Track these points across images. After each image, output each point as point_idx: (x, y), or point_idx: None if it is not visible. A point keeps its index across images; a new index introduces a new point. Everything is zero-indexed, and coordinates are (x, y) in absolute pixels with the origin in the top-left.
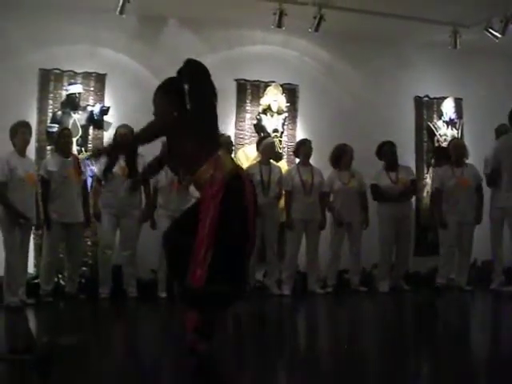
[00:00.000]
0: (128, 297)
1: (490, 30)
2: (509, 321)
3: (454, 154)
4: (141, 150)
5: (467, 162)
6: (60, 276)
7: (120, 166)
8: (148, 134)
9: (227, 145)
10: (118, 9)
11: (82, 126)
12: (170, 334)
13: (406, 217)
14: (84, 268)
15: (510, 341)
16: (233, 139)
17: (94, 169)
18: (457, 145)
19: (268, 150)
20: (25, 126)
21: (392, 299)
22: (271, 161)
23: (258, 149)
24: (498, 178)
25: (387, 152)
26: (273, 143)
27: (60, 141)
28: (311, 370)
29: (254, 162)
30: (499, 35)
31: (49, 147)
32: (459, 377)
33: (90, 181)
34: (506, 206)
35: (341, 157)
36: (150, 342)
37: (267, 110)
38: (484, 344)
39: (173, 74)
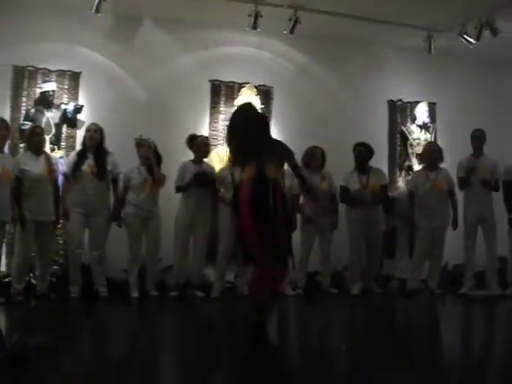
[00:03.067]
0: (99, 296)
1: (465, 36)
2: (476, 325)
3: (427, 157)
4: (112, 149)
5: (441, 166)
6: (31, 275)
7: (89, 164)
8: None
9: (201, 146)
10: (94, 7)
11: (56, 124)
12: (140, 333)
13: (375, 220)
14: (55, 267)
15: (474, 344)
16: None
17: (62, 167)
18: (430, 148)
19: None
20: (1, 121)
21: (362, 301)
22: None
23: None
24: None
25: (356, 154)
26: None
27: (32, 139)
28: (279, 370)
29: (225, 164)
30: (473, 41)
31: (22, 145)
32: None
33: (61, 179)
34: (480, 210)
35: (311, 159)
36: (120, 342)
37: None
38: (449, 347)
39: (147, 73)
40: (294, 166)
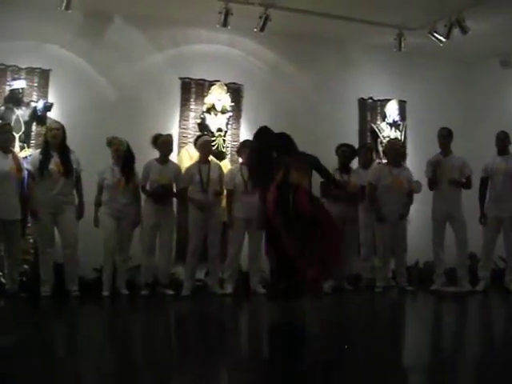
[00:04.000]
0: (70, 296)
1: (435, 34)
2: (446, 321)
3: (391, 153)
4: (73, 146)
5: (405, 165)
6: (0, 274)
7: (55, 162)
8: None
9: (165, 144)
10: (64, 4)
11: (25, 122)
12: (112, 332)
13: (353, 218)
14: (25, 266)
15: (443, 340)
16: (176, 138)
17: (28, 165)
18: (394, 145)
19: (204, 148)
20: None
21: (333, 300)
22: (211, 159)
23: (195, 147)
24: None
25: (340, 154)
26: (208, 141)
27: (0, 136)
28: (252, 368)
29: (193, 162)
30: (443, 39)
31: None
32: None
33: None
34: (449, 207)
35: None
36: (91, 341)
37: (211, 109)
38: (418, 343)
39: (117, 71)
40: (320, 172)
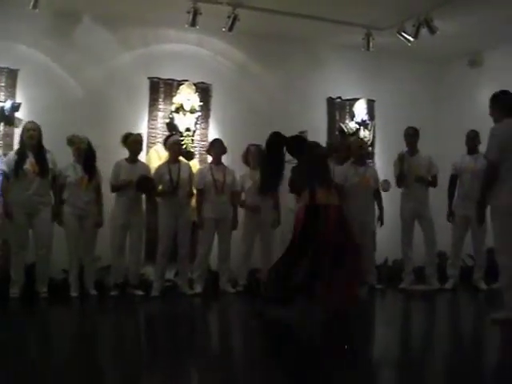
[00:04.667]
0: (39, 297)
1: (403, 34)
2: (415, 319)
3: (355, 152)
4: (52, 147)
5: (370, 164)
6: None
7: (31, 162)
8: None
9: (135, 144)
10: (31, 3)
11: None
12: (80, 333)
13: None
14: None
15: (411, 338)
16: (145, 138)
17: (2, 166)
18: (359, 144)
19: (174, 148)
20: None
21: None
22: (181, 159)
23: (165, 147)
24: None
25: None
26: (178, 141)
27: None
28: (222, 369)
29: (163, 162)
30: (411, 39)
31: None
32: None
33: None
34: (417, 206)
35: (248, 157)
36: (59, 343)
37: (180, 108)
38: (388, 341)
39: (86, 71)
40: None
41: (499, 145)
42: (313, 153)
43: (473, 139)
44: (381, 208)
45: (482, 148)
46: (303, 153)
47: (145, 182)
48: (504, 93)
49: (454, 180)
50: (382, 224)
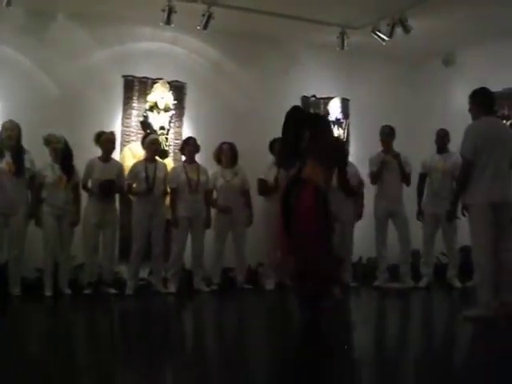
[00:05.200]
0: (12, 296)
1: (378, 33)
2: (389, 317)
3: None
4: (26, 145)
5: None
6: None
7: (7, 161)
8: None
9: (107, 142)
10: (5, 0)
11: None
12: (53, 332)
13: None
14: None
15: (385, 336)
16: (119, 136)
17: None
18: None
19: (152, 146)
20: None
21: (277, 297)
22: (157, 158)
23: (143, 146)
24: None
25: (277, 149)
26: (156, 140)
27: None
28: (197, 368)
29: (140, 159)
30: (386, 38)
31: None
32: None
33: None
34: (391, 204)
35: (220, 155)
36: (33, 341)
37: (154, 107)
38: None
39: (60, 69)
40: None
41: (475, 143)
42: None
43: (442, 138)
44: (360, 205)
45: (452, 147)
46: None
47: (107, 186)
48: (483, 90)
49: (422, 178)
50: (358, 219)
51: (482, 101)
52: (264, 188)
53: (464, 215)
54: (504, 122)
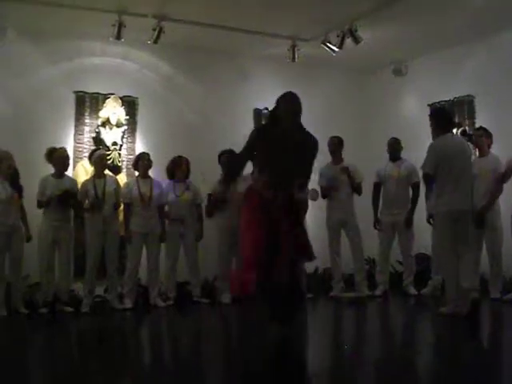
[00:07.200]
0: None
1: (328, 44)
2: (344, 326)
3: None
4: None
5: None
6: None
7: None
8: None
9: (61, 159)
10: None
11: None
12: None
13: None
14: None
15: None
16: (71, 152)
17: None
18: None
19: (99, 162)
20: None
21: (233, 310)
22: (107, 173)
23: (90, 162)
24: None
25: (224, 162)
26: (103, 155)
27: None
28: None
29: (88, 177)
30: (336, 49)
31: None
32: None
33: None
34: (343, 214)
35: (175, 169)
36: None
37: (106, 122)
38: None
39: (9, 85)
40: None
41: (436, 159)
42: None
43: (393, 145)
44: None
45: (404, 154)
46: None
47: (66, 196)
48: (438, 111)
49: (377, 188)
50: None
51: (439, 121)
52: (213, 204)
53: (430, 223)
54: (455, 130)
